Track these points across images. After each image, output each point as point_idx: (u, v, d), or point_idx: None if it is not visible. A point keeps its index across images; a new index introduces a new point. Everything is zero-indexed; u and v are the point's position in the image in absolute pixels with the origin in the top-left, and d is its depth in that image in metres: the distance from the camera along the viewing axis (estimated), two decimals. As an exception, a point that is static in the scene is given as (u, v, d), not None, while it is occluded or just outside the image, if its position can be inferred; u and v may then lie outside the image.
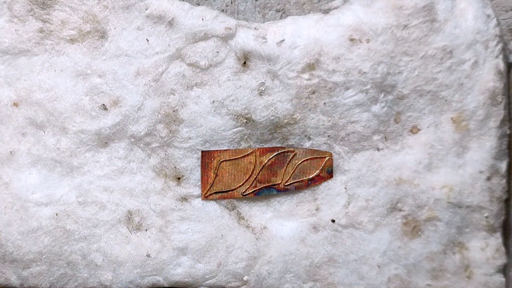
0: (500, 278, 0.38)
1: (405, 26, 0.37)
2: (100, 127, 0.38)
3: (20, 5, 0.37)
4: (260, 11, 0.41)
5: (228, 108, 0.38)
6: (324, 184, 0.39)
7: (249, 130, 0.38)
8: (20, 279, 0.38)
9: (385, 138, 0.38)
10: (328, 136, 0.38)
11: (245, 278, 0.39)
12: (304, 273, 0.39)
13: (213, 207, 0.39)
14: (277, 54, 0.38)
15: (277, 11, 0.41)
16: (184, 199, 0.39)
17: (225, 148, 0.38)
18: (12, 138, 0.37)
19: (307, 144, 0.39)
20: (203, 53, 0.38)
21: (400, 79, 0.38)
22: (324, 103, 0.38)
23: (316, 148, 0.39)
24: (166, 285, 0.39)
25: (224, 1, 0.41)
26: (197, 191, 0.39)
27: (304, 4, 0.41)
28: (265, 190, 0.39)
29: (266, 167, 0.39)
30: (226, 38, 0.38)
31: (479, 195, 0.38)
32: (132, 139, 0.38)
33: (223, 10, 0.41)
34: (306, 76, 0.38)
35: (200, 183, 0.39)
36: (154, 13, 0.37)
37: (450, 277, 0.38)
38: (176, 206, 0.39)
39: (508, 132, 0.38)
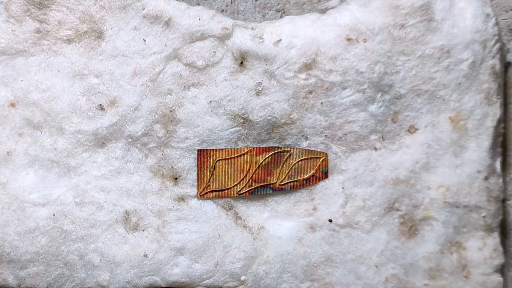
0: (497, 278, 0.38)
1: (402, 26, 0.37)
2: (97, 128, 0.38)
3: (16, 6, 0.37)
4: (260, 11, 0.41)
5: (225, 108, 0.38)
6: (321, 184, 0.39)
7: (246, 130, 0.38)
8: (17, 280, 0.38)
9: (382, 137, 0.38)
10: (325, 136, 0.38)
11: (242, 278, 0.39)
12: (302, 273, 0.38)
13: (210, 207, 0.39)
14: (274, 54, 0.37)
15: (277, 11, 0.41)
16: (181, 199, 0.39)
17: (222, 148, 0.38)
18: (9, 138, 0.38)
19: (304, 144, 0.39)
20: (200, 53, 0.38)
21: (398, 79, 0.38)
22: (321, 103, 0.38)
23: (313, 148, 0.39)
24: (163, 285, 0.39)
25: (224, 1, 0.41)
26: (194, 191, 0.39)
27: (304, 4, 0.41)
28: (260, 189, 0.39)
29: (262, 166, 0.38)
30: (223, 38, 0.38)
31: (476, 195, 0.37)
32: (129, 139, 0.38)
33: (223, 10, 0.41)
34: (303, 76, 0.38)
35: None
36: (151, 13, 0.37)
37: (447, 277, 0.38)
38: (173, 206, 0.38)
39: (503, 131, 0.38)
